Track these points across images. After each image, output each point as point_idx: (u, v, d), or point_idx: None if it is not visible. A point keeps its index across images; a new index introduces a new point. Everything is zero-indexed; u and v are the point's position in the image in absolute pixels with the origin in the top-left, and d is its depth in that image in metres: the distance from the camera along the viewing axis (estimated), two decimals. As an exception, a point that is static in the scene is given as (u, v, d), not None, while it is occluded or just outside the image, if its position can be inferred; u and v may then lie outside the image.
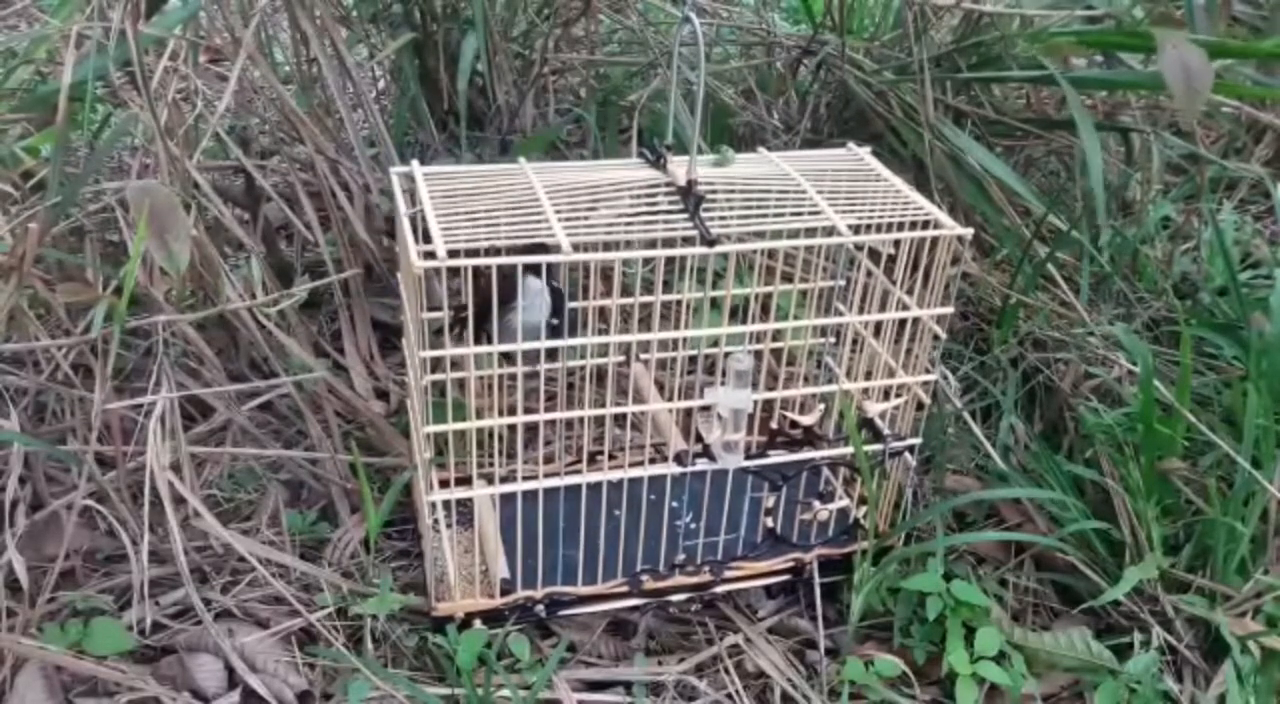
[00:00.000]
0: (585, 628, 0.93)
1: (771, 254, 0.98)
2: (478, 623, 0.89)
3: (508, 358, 0.92)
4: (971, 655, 0.87)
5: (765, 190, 0.84)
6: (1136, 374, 1.05)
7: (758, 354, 0.90)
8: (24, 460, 0.92)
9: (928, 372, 0.90)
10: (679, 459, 0.87)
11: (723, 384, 0.85)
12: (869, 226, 0.83)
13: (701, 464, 0.87)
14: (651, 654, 0.93)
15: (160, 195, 0.84)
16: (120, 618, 0.89)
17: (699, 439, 0.86)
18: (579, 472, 0.85)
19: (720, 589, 0.94)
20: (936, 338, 0.88)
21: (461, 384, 0.90)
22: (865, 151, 0.93)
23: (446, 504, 0.95)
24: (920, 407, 0.91)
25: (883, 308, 0.90)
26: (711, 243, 0.78)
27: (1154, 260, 1.34)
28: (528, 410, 0.83)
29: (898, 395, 0.91)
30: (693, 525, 0.98)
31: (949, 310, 0.87)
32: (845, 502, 0.99)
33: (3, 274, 0.85)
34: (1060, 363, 1.14)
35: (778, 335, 0.99)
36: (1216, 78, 0.98)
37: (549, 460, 1.04)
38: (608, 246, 0.82)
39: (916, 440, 0.93)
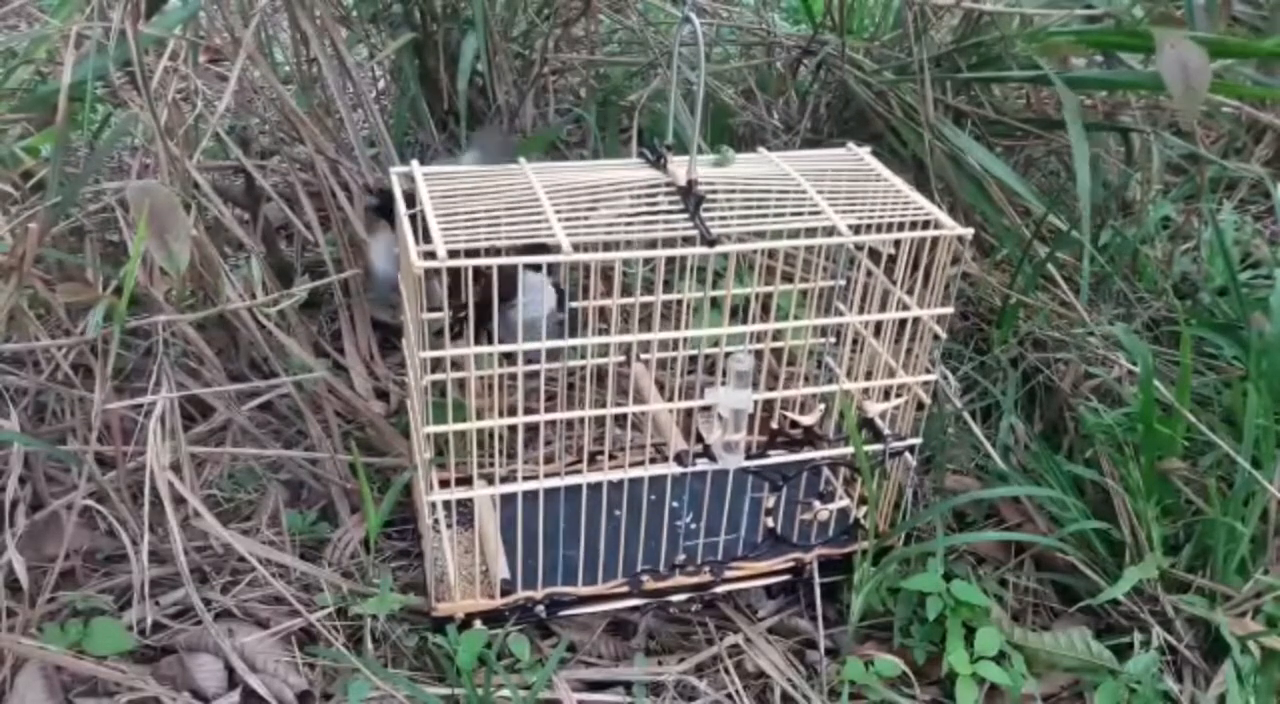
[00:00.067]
0: (585, 628, 0.93)
1: (771, 254, 0.98)
2: (478, 623, 0.89)
3: (508, 356, 0.92)
4: (971, 655, 0.87)
5: (765, 190, 0.84)
6: (1136, 374, 1.05)
7: (758, 354, 0.90)
8: (24, 460, 0.92)
9: (928, 372, 0.90)
10: (679, 459, 0.87)
11: (723, 384, 0.85)
12: (869, 226, 0.83)
13: (702, 464, 0.87)
14: (651, 654, 0.93)
15: (160, 195, 0.84)
16: (120, 618, 0.89)
17: (699, 439, 0.86)
18: (579, 472, 0.85)
19: (720, 589, 0.94)
20: (936, 338, 0.88)
21: (461, 384, 0.90)
22: (865, 151, 0.93)
23: (446, 504, 0.95)
24: (920, 407, 0.91)
25: (883, 308, 0.90)
26: (712, 243, 0.78)
27: (1154, 260, 1.34)
28: (528, 410, 0.83)
29: (898, 395, 0.91)
30: (693, 525, 0.98)
31: (949, 310, 0.87)
32: (845, 502, 0.99)
33: (3, 274, 0.85)
34: (1060, 363, 1.14)
35: (778, 335, 0.99)
36: (1216, 77, 0.99)
37: (549, 460, 1.04)
38: (608, 246, 0.82)
39: (916, 440, 0.93)
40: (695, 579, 0.93)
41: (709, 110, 1.42)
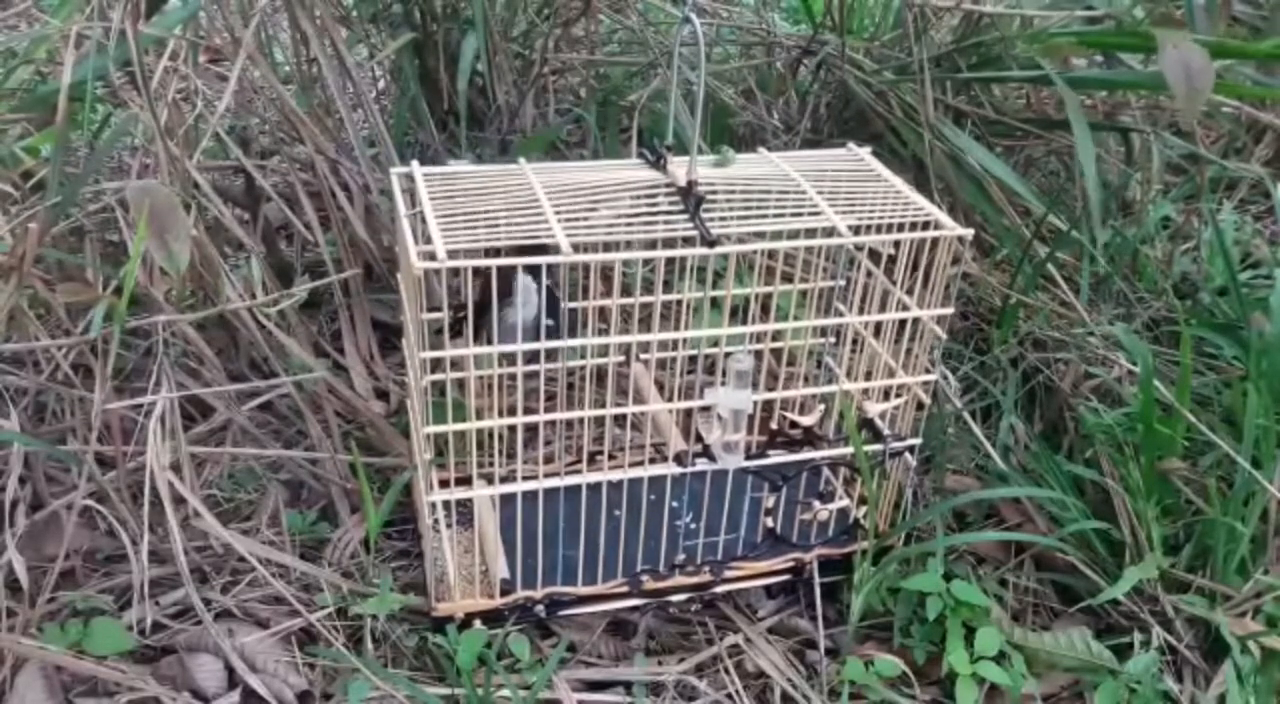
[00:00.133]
0: (585, 628, 0.93)
1: (771, 254, 0.98)
2: (478, 623, 0.89)
3: (506, 356, 0.92)
4: (971, 655, 0.87)
5: (765, 190, 0.84)
6: (1136, 374, 1.05)
7: (758, 354, 0.90)
8: (24, 460, 0.92)
9: (928, 372, 0.90)
10: (679, 459, 0.87)
11: (723, 384, 0.85)
12: (869, 227, 0.83)
13: (701, 464, 0.87)
14: (651, 654, 0.93)
15: (160, 195, 0.84)
16: (120, 618, 0.89)
17: (699, 439, 0.86)
18: (579, 472, 0.85)
19: (720, 589, 0.94)
20: (937, 338, 0.88)
21: (461, 384, 0.90)
22: (865, 152, 0.93)
23: (446, 504, 0.95)
24: (920, 407, 0.91)
25: (883, 308, 0.90)
26: (712, 243, 0.78)
27: (1154, 260, 1.34)
28: (528, 410, 0.83)
29: (898, 395, 0.91)
30: (693, 525, 0.98)
31: (949, 310, 0.87)
32: (845, 502, 0.99)
33: (3, 274, 0.85)
34: (1060, 363, 1.14)
35: (778, 335, 0.99)
36: (1216, 78, 0.98)
37: (549, 460, 1.04)
38: (608, 247, 0.82)
39: (916, 440, 0.93)
40: (695, 579, 0.93)
41: (709, 110, 1.42)
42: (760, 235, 0.84)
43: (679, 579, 0.92)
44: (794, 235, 0.82)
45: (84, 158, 1.17)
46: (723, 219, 0.82)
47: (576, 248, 0.74)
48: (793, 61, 1.50)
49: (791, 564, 0.95)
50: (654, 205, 0.82)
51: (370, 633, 0.89)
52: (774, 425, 0.89)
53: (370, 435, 1.09)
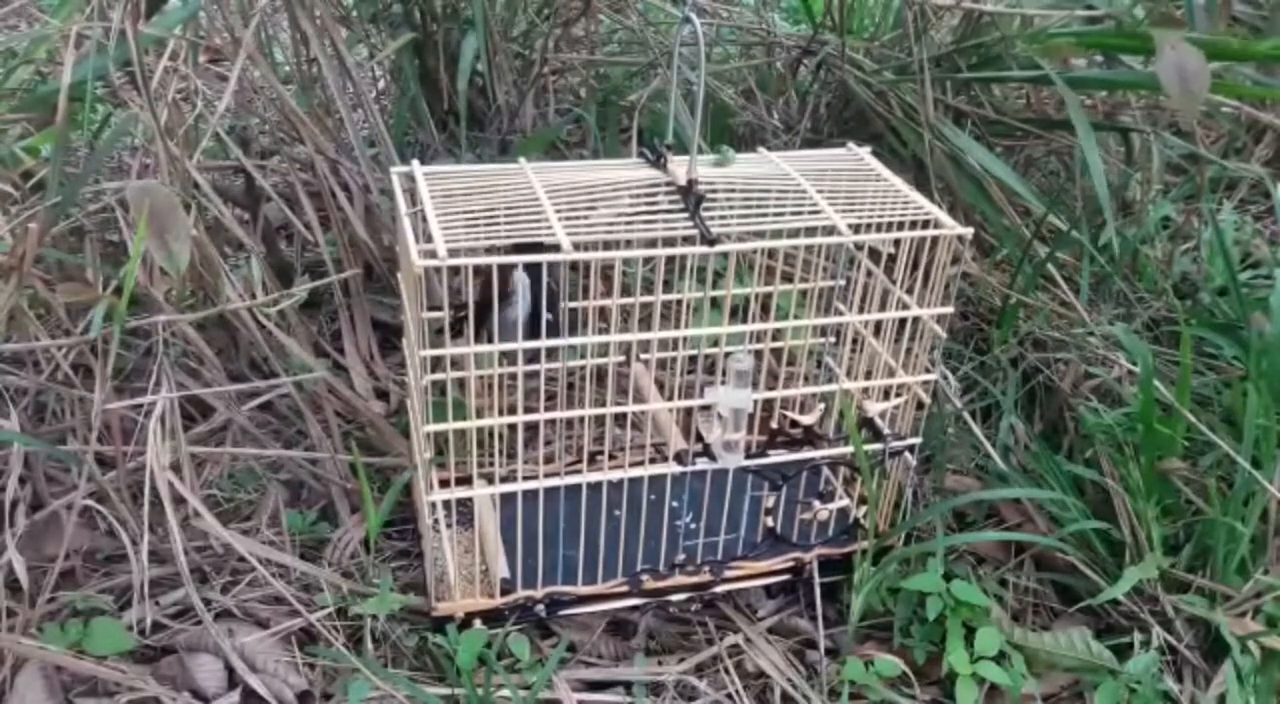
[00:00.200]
0: (585, 628, 0.93)
1: (771, 254, 0.98)
2: (478, 623, 0.89)
3: (506, 355, 0.92)
4: (971, 655, 0.87)
5: (765, 190, 0.84)
6: (1136, 374, 1.05)
7: (758, 354, 0.90)
8: (24, 460, 0.92)
9: (928, 371, 0.90)
10: (679, 459, 0.87)
11: (723, 384, 0.85)
12: (869, 226, 0.83)
13: (701, 464, 0.87)
14: (651, 654, 0.93)
15: (160, 195, 0.84)
16: (120, 618, 0.89)
17: (699, 439, 0.86)
18: (579, 471, 0.85)
19: (720, 589, 0.94)
20: (937, 337, 0.88)
21: (461, 384, 0.90)
22: (865, 151, 0.93)
23: (446, 504, 0.95)
24: (920, 406, 0.91)
25: (883, 307, 0.90)
26: (712, 242, 0.78)
27: (1154, 260, 1.34)
28: (528, 410, 0.83)
29: (898, 395, 0.91)
30: (693, 525, 0.98)
31: (949, 310, 0.87)
32: (845, 501, 0.99)
33: (3, 274, 0.85)
34: (1060, 363, 1.14)
35: (778, 335, 0.99)
36: (1216, 78, 0.99)
37: (549, 460, 1.04)
38: (608, 246, 0.82)
39: (916, 440, 0.93)
40: (695, 579, 0.93)
41: (709, 110, 1.42)
42: (760, 234, 0.84)
43: (679, 579, 0.92)
44: (794, 234, 0.82)
45: (84, 158, 1.17)
46: (723, 218, 0.82)
47: (577, 247, 0.74)
48: (793, 61, 1.50)
49: (791, 564, 0.95)
50: (654, 205, 0.82)
51: (370, 633, 0.89)
52: (774, 425, 0.89)
53: (370, 435, 1.09)
